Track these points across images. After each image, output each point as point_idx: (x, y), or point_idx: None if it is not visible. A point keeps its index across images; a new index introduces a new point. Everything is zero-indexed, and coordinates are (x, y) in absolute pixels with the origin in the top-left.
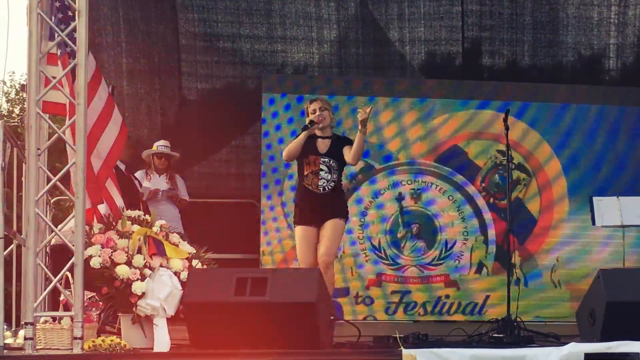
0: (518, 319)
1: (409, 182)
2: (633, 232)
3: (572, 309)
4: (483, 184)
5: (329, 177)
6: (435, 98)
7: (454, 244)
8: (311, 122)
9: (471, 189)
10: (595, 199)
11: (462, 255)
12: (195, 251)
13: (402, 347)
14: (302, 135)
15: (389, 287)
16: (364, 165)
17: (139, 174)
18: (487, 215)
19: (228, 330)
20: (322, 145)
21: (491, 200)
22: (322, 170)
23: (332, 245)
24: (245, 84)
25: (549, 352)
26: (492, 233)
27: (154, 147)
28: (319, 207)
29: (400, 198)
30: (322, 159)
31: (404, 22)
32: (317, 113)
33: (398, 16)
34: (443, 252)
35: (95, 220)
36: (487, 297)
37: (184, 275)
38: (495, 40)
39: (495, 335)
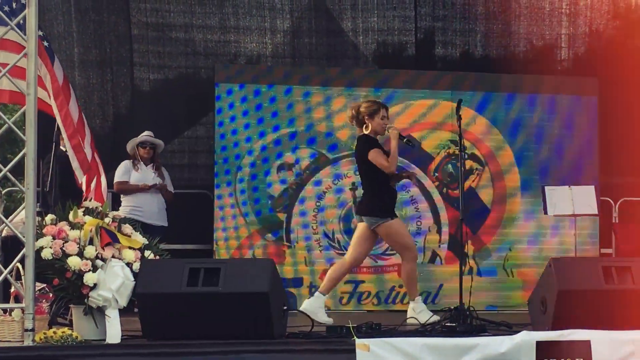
0: (471, 308)
1: None
2: (584, 222)
3: (524, 298)
4: (436, 174)
5: None
6: (389, 88)
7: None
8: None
9: (424, 178)
10: (547, 188)
11: (415, 244)
12: (147, 242)
13: (355, 337)
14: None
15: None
16: (317, 155)
17: (124, 165)
18: (441, 205)
19: (181, 321)
20: None
21: (444, 190)
22: None
23: None
24: (198, 75)
25: (502, 341)
26: (445, 223)
27: (138, 137)
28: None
29: (353, 188)
30: None
31: (357, 12)
32: (385, 121)
33: (351, 6)
34: None
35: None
36: (441, 286)
37: (136, 266)
38: (448, 31)
39: (448, 324)
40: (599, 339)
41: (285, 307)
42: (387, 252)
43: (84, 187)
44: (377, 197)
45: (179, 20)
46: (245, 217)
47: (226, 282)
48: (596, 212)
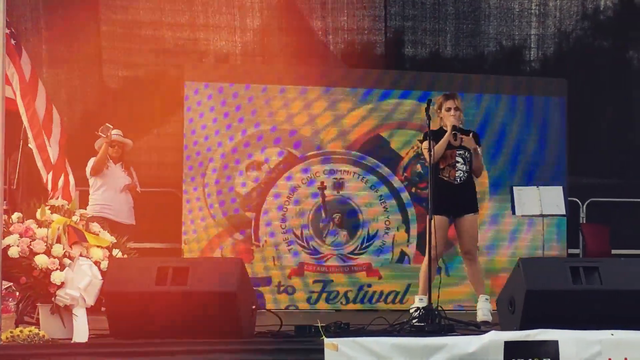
0: (439, 308)
1: (331, 172)
2: (553, 221)
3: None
4: (405, 174)
5: (465, 168)
6: (359, 87)
7: (376, 233)
8: (454, 126)
9: (393, 178)
10: (515, 188)
11: (384, 244)
12: (116, 240)
13: (324, 337)
14: (447, 137)
15: (311, 276)
16: (286, 154)
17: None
18: (409, 205)
19: (149, 320)
20: (452, 139)
21: (413, 189)
22: (457, 162)
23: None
24: (167, 72)
25: (470, 341)
26: (413, 222)
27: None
28: (456, 198)
29: (322, 187)
30: (457, 152)
31: (326, 11)
32: (452, 112)
33: (321, 5)
34: (365, 241)
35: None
36: (409, 285)
37: (104, 264)
38: (418, 30)
39: (417, 324)
40: (567, 339)
41: (253, 307)
42: (355, 252)
43: (49, 186)
44: None
45: (148, 18)
46: (214, 216)
47: (194, 281)
48: (564, 212)
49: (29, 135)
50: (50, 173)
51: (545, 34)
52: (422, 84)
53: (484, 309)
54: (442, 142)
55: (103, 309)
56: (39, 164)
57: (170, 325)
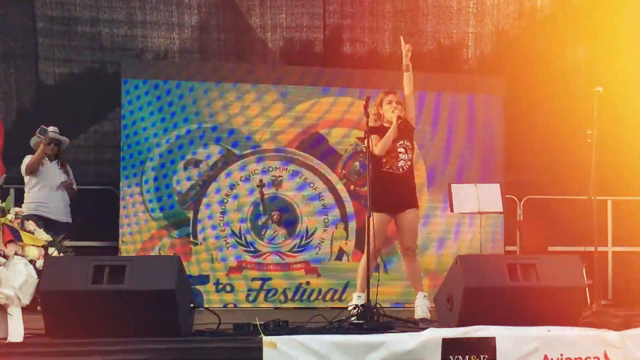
0: (377, 305)
1: (270, 169)
2: (490, 219)
3: (430, 295)
4: (344, 171)
5: (407, 157)
6: (297, 85)
7: (315, 231)
8: (399, 117)
9: (332, 176)
10: (453, 186)
11: (323, 242)
12: (51, 239)
13: (262, 334)
14: (393, 130)
15: (250, 274)
16: (225, 152)
17: (28, 159)
18: (348, 202)
19: (85, 319)
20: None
21: (352, 187)
22: (400, 152)
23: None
24: (105, 69)
25: (408, 338)
26: (352, 219)
27: None
28: (399, 191)
29: (260, 185)
30: (397, 143)
31: (265, 9)
32: (394, 105)
33: (259, 2)
34: (304, 239)
35: None
36: (347, 283)
37: (39, 263)
38: (356, 28)
39: (355, 321)
40: (504, 336)
41: (192, 305)
42: (294, 250)
43: None
44: None
45: (85, 14)
46: (152, 214)
47: (132, 279)
48: (501, 209)
49: None
50: None
51: (483, 32)
52: (361, 82)
53: (422, 306)
54: (390, 135)
55: (39, 308)
56: None
57: (107, 324)
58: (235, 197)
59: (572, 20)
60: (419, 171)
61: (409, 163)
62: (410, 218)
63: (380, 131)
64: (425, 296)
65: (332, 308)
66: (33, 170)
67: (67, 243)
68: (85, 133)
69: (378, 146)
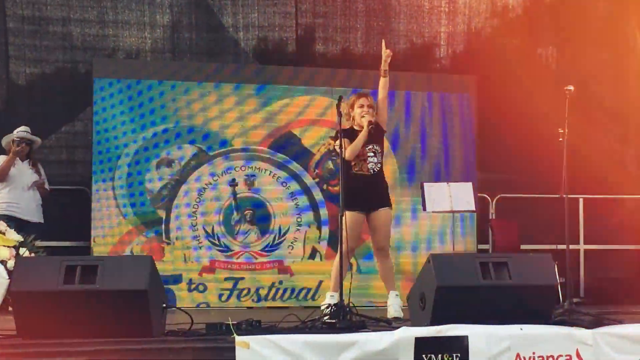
0: (350, 304)
1: (243, 168)
2: (463, 217)
3: (403, 294)
4: (317, 171)
5: (376, 160)
6: (269, 84)
7: (288, 230)
8: (370, 122)
9: (305, 176)
10: (426, 185)
11: (296, 241)
12: (23, 239)
13: (235, 334)
14: (364, 135)
15: (222, 273)
16: (197, 151)
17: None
18: (321, 202)
19: (57, 320)
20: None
21: (325, 186)
22: (369, 156)
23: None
24: (76, 69)
25: (381, 337)
26: (325, 218)
27: (14, 133)
28: (371, 190)
29: (233, 184)
30: (367, 147)
31: (237, 8)
32: (365, 109)
33: (232, 1)
34: (276, 238)
35: None
36: (320, 282)
37: (10, 264)
38: (329, 27)
39: (328, 320)
40: (477, 334)
41: (164, 305)
42: (267, 249)
43: None
44: None
45: (56, 14)
46: (124, 214)
47: (104, 279)
48: (474, 208)
49: None
50: None
51: (455, 31)
52: (334, 81)
53: (394, 305)
54: (360, 140)
55: (10, 308)
56: None
57: (79, 324)
58: (208, 196)
59: (543, 20)
60: (390, 171)
61: (379, 165)
62: (383, 217)
63: (351, 134)
64: (397, 295)
65: (305, 307)
66: (2, 179)
67: (39, 243)
68: (56, 133)
69: (348, 150)
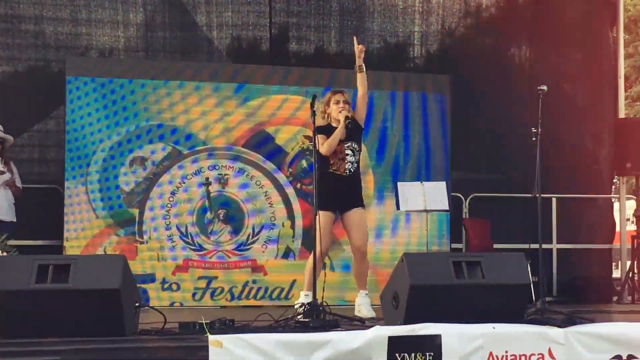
0: (324, 303)
1: (217, 168)
2: (436, 217)
3: (376, 293)
4: (290, 170)
5: (354, 159)
6: (243, 83)
7: (261, 229)
8: (347, 117)
9: (279, 175)
10: (399, 184)
11: (269, 240)
12: None
13: (208, 333)
14: (340, 130)
15: (196, 272)
16: (171, 150)
17: None
18: (294, 200)
19: (29, 319)
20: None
21: (298, 185)
22: (347, 155)
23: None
24: (49, 67)
25: (354, 336)
26: (298, 217)
27: None
28: (345, 191)
29: (207, 183)
30: (345, 145)
31: (211, 7)
32: (342, 105)
33: (205, 0)
34: (250, 237)
35: None
36: (294, 281)
37: None
38: (303, 26)
39: (301, 319)
40: (450, 333)
41: (137, 304)
42: (240, 248)
43: None
44: None
45: (29, 12)
46: (97, 213)
47: (76, 278)
48: (447, 207)
49: None
50: None
51: (429, 30)
52: (308, 80)
53: (365, 305)
54: (336, 135)
55: None
56: None
57: (52, 323)
58: (181, 195)
59: (517, 20)
60: (364, 169)
61: (356, 165)
62: (357, 217)
63: (328, 131)
64: (366, 294)
65: (278, 306)
66: None
67: (11, 242)
68: (29, 131)
69: (324, 146)
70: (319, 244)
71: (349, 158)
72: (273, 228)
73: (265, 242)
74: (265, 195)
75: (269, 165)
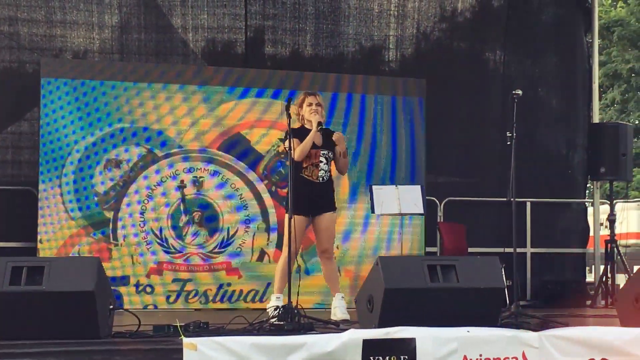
0: (299, 307)
1: (191, 170)
2: (410, 220)
3: (351, 296)
4: (265, 172)
5: (327, 167)
6: (219, 86)
7: (236, 231)
8: (319, 123)
9: (253, 177)
10: (374, 187)
11: (244, 242)
12: None
13: (182, 336)
14: (313, 134)
15: (170, 275)
16: (145, 151)
17: None
18: (269, 203)
19: (3, 321)
20: (317, 138)
21: (273, 188)
22: (321, 162)
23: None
24: (23, 69)
25: (329, 339)
26: (273, 220)
27: None
28: (317, 197)
29: (182, 185)
30: (321, 152)
31: (186, 9)
32: (314, 108)
33: (181, 2)
34: (225, 239)
35: None
36: (269, 284)
37: None
38: (278, 29)
39: (276, 322)
40: (424, 336)
41: (111, 306)
42: (215, 251)
43: None
44: None
45: (3, 14)
46: (71, 214)
47: (50, 280)
48: (422, 211)
49: None
50: None
51: (404, 35)
52: (283, 83)
53: (340, 307)
54: (309, 140)
55: None
56: None
57: (25, 326)
58: (156, 197)
59: (491, 24)
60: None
61: (329, 174)
62: (327, 220)
63: (301, 133)
64: (342, 297)
65: (253, 309)
66: None
67: None
68: (2, 133)
69: (297, 151)
70: (293, 246)
71: (322, 166)
72: (247, 231)
73: (240, 244)
74: (240, 198)
75: (243, 167)
